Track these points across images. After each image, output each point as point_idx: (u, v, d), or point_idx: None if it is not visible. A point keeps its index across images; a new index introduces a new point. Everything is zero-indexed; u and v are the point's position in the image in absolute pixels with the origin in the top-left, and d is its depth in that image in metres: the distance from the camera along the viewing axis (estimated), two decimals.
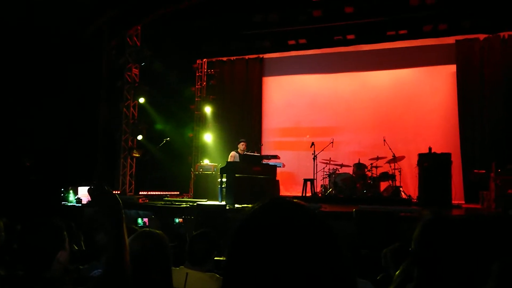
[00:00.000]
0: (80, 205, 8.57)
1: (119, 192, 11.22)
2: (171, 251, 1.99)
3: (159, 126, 12.10)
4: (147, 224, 7.31)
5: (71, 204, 8.74)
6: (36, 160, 9.57)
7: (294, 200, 0.89)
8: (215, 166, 10.63)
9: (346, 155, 11.41)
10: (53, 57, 9.33)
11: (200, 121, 13.14)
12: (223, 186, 8.90)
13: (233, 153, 9.62)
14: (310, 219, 0.85)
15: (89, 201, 8.25)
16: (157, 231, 2.06)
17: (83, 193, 8.85)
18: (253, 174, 8.70)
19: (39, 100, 9.15)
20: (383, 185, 10.25)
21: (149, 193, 11.04)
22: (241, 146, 9.62)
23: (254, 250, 0.81)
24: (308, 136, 12.05)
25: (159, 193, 11.47)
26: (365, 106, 11.81)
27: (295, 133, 12.54)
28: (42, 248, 1.94)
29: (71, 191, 9.00)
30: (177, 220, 7.28)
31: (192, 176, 11.89)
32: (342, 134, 11.79)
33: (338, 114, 12.09)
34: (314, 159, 10.08)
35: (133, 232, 2.06)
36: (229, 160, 9.40)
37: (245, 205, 7.84)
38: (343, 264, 0.83)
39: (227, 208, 7.45)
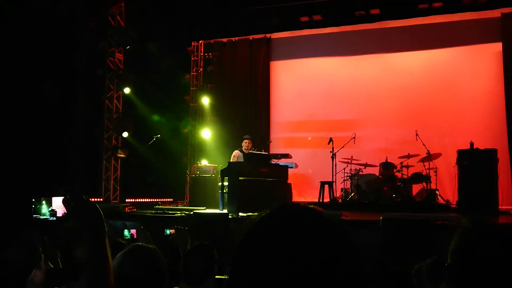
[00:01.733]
0: (54, 218, 8.60)
1: (101, 199, 11.29)
2: (166, 270, 2.00)
3: (148, 121, 12.15)
4: (135, 236, 7.35)
5: (44, 217, 8.77)
6: None
7: (310, 206, 0.90)
8: (214, 168, 10.67)
9: (370, 153, 11.38)
10: (16, 41, 9.29)
11: (196, 115, 13.17)
12: (224, 191, 8.91)
13: (236, 152, 9.64)
14: (328, 229, 0.85)
15: (65, 213, 8.29)
16: (149, 246, 2.07)
17: (58, 204, 8.88)
18: (260, 176, 8.71)
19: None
20: (416, 188, 10.22)
21: (137, 200, 11.09)
22: (246, 143, 9.63)
23: (261, 267, 0.81)
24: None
25: (149, 200, 11.51)
26: (392, 95, 11.77)
27: (309, 127, 12.54)
28: (14, 267, 1.95)
29: (43, 202, 9.03)
30: (168, 231, 7.32)
31: (188, 180, 11.92)
32: (366, 128, 11.76)
33: (361, 104, 12.07)
34: (332, 158, 10.06)
35: (120, 246, 2.08)
36: (231, 161, 9.42)
37: (251, 214, 7.85)
38: (366, 283, 0.83)
39: (230, 217, 7.46)
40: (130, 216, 8.56)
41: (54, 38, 10.13)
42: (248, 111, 13.00)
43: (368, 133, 11.69)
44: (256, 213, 0.91)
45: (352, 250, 0.85)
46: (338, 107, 12.25)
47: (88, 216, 1.59)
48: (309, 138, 12.42)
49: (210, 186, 10.48)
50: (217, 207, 9.16)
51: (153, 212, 8.78)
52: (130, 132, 11.66)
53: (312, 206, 0.90)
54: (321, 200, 9.75)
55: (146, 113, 12.18)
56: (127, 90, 11.76)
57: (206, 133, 12.73)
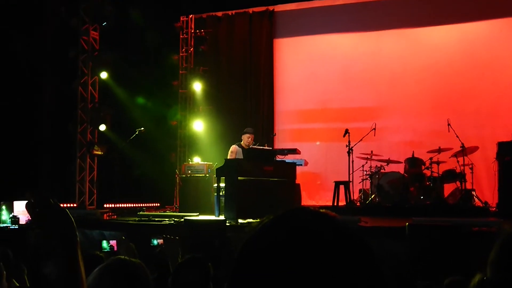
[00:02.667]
0: (16, 226, 8.60)
1: (75, 205, 11.31)
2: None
3: (129, 112, 12.15)
4: (115, 249, 7.36)
5: (5, 225, 8.78)
6: None
7: (321, 212, 0.90)
8: (209, 166, 10.68)
9: (394, 146, 11.37)
10: None
11: (187, 103, 13.17)
12: (221, 194, 8.93)
13: (234, 147, 9.64)
14: (344, 238, 0.85)
15: (29, 220, 8.29)
16: (133, 260, 2.06)
17: (21, 209, 8.87)
18: (263, 176, 8.72)
19: None
20: (448, 189, 10.22)
21: (118, 206, 11.10)
22: (246, 137, 9.64)
23: (263, 283, 0.81)
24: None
25: (132, 205, 11.52)
26: (420, 78, 11.75)
27: (321, 117, 12.54)
28: None
29: (3, 207, 9.03)
30: (155, 242, 7.33)
31: (177, 181, 11.94)
32: (389, 117, 11.76)
33: (382, 89, 12.06)
34: (349, 153, 10.05)
35: (97, 260, 2.08)
36: (229, 158, 9.43)
37: (252, 220, 7.86)
38: None
39: (227, 224, 7.48)
40: (109, 225, 8.57)
41: (16, 15, 10.11)
42: (248, 99, 12.99)
43: (391, 123, 11.68)
44: (258, 220, 0.91)
45: (373, 265, 0.85)
46: (355, 92, 12.23)
47: (56, 225, 1.58)
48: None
49: (203, 188, 10.49)
50: (212, 213, 9.17)
51: (137, 219, 8.80)
52: (108, 125, 11.65)
53: (324, 211, 0.90)
54: (335, 204, 9.75)
55: (127, 102, 12.17)
56: (104, 75, 11.75)
57: (199, 125, 12.73)
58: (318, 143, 12.15)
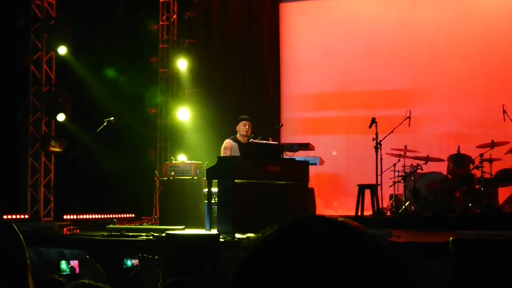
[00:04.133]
0: None
1: (26, 216, 11.32)
2: None
3: (95, 97, 12.14)
4: (77, 271, 7.38)
5: None
6: None
7: (341, 222, 0.90)
8: (197, 166, 10.67)
9: (435, 140, 11.37)
10: None
11: (169, 86, 13.18)
12: (212, 201, 8.93)
13: (228, 142, 9.62)
14: (371, 257, 0.85)
15: None
16: (99, 285, 2.06)
17: None
18: (266, 178, 8.70)
19: None
20: (504, 194, 10.22)
21: (81, 217, 11.10)
22: (242, 126, 9.61)
23: None
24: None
25: (99, 216, 11.52)
26: (467, 51, 11.75)
27: (340, 102, 12.54)
28: None
29: None
30: (129, 263, 7.33)
31: (157, 185, 11.94)
32: (427, 102, 11.76)
33: (419, 66, 12.06)
34: (377, 149, 10.03)
35: (56, 286, 2.08)
36: (222, 155, 9.42)
37: (253, 235, 7.85)
38: None
39: (221, 240, 7.48)
40: (70, 241, 8.56)
41: None
42: (248, 80, 12.98)
43: (430, 111, 11.68)
44: (259, 233, 0.91)
45: (409, 285, 0.85)
46: (384, 71, 12.24)
47: None
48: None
49: (190, 194, 10.50)
50: (201, 226, 9.17)
51: (105, 234, 8.79)
52: (68, 115, 11.63)
53: (344, 220, 0.90)
54: (359, 213, 9.74)
55: (92, 85, 12.15)
56: (62, 50, 11.72)
57: (184, 114, 12.72)
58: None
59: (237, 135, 9.66)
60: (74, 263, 7.52)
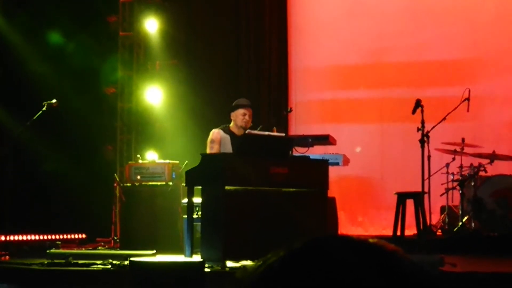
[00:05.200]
0: None
1: None
2: None
3: (31, 72, 12.12)
4: None
5: None
6: None
7: (372, 242, 0.90)
8: (173, 167, 10.69)
9: (503, 130, 11.39)
10: None
11: (133, 56, 13.20)
12: (194, 216, 8.94)
13: (216, 133, 9.63)
14: None
15: None
16: None
17: None
18: (269, 184, 8.74)
19: None
20: None
21: (12, 239, 11.10)
22: (241, 114, 9.64)
23: None
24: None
25: (37, 238, 11.51)
26: None
27: (371, 79, 12.56)
28: None
29: None
30: None
31: (118, 195, 11.95)
32: (492, 79, 11.80)
33: (480, 29, 12.09)
34: (423, 142, 10.05)
35: None
36: (208, 151, 9.43)
37: (251, 263, 7.85)
38: None
39: (207, 270, 7.49)
40: None
41: None
42: (244, 49, 13.00)
43: (496, 90, 11.71)
44: (259, 261, 0.90)
45: None
46: (432, 35, 12.28)
47: None
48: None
49: (164, 206, 10.53)
50: (179, 251, 9.22)
51: (46, 262, 8.80)
52: None
53: (377, 242, 0.90)
54: (398, 233, 9.77)
55: (27, 56, 12.15)
56: None
57: (155, 95, 12.76)
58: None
59: (230, 125, 9.65)
60: None
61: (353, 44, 12.67)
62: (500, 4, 11.95)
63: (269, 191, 8.72)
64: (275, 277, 0.86)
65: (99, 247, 11.11)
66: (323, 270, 0.84)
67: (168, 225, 10.29)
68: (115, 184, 12.14)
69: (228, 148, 9.44)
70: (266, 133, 9.59)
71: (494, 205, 10.07)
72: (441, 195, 10.73)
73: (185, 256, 8.64)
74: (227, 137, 9.56)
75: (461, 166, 10.63)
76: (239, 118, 9.60)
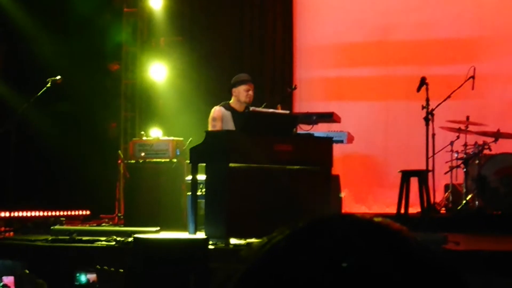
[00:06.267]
0: None
1: None
2: None
3: (35, 47, 12.09)
4: None
5: None
6: None
7: (377, 221, 0.90)
8: (177, 144, 10.67)
9: (507, 109, 11.35)
10: None
11: (137, 32, 13.17)
12: (199, 193, 8.94)
13: (218, 110, 9.60)
14: (420, 271, 0.85)
15: None
16: None
17: None
18: (273, 161, 8.74)
19: None
20: None
21: (15, 215, 11.11)
22: (243, 90, 9.60)
23: None
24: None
25: (41, 214, 11.52)
26: None
27: (376, 55, 12.54)
28: None
29: None
30: (83, 279, 7.36)
31: (122, 171, 11.95)
32: (497, 57, 11.75)
33: (486, 7, 12.01)
34: (427, 120, 10.03)
35: None
36: (210, 129, 9.41)
37: (255, 240, 7.85)
38: None
39: (210, 247, 7.51)
40: (1, 249, 8.57)
41: None
42: (248, 24, 12.95)
43: (502, 68, 11.66)
44: (264, 239, 0.91)
45: None
46: (438, 12, 12.23)
47: None
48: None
49: (168, 183, 10.53)
50: (183, 228, 9.23)
51: (50, 239, 8.82)
52: None
53: (381, 221, 0.90)
54: (402, 211, 9.76)
55: (30, 31, 12.11)
56: None
57: (159, 72, 12.73)
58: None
59: (230, 101, 9.62)
60: (8, 280, 7.53)
61: (358, 21, 12.62)
62: None
63: (273, 169, 8.71)
64: (280, 257, 0.86)
65: (103, 224, 11.13)
66: (327, 250, 0.84)
67: (172, 202, 10.29)
68: (119, 161, 12.14)
69: (230, 125, 9.42)
70: (270, 110, 9.58)
71: (498, 183, 10.06)
72: (445, 173, 10.72)
73: (189, 233, 8.65)
74: (229, 113, 9.54)
75: (465, 144, 10.61)
76: (243, 94, 9.57)
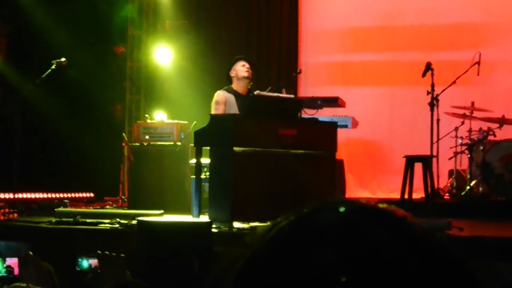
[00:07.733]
0: None
1: None
2: None
3: (40, 30, 12.08)
4: (15, 272, 7.43)
5: None
6: None
7: (381, 207, 0.90)
8: (181, 128, 10.67)
9: (511, 95, 11.33)
10: None
11: (143, 15, 13.17)
12: (203, 176, 8.95)
13: (221, 94, 9.60)
14: (424, 258, 0.85)
15: None
16: None
17: None
18: (277, 145, 8.74)
19: None
20: None
21: (19, 197, 11.13)
22: (242, 68, 9.59)
23: None
24: None
25: (45, 197, 11.54)
26: None
27: (382, 41, 12.53)
28: None
29: None
30: (85, 264, 7.36)
31: (126, 154, 11.96)
32: (503, 42, 11.75)
33: None
34: (432, 106, 10.02)
35: None
36: (213, 113, 9.40)
37: (259, 224, 7.89)
38: None
39: (214, 231, 7.52)
40: (6, 231, 8.60)
41: None
42: (255, 8, 12.95)
43: (507, 54, 11.66)
44: (268, 223, 0.91)
45: None
46: None
47: None
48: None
49: (172, 166, 10.54)
50: (187, 211, 9.25)
51: (54, 221, 8.85)
52: (2, 54, 11.61)
53: (386, 207, 0.91)
54: (406, 197, 9.77)
55: (36, 13, 12.10)
56: None
57: (164, 55, 12.73)
58: None
59: (232, 85, 9.62)
60: (12, 261, 7.55)
61: (364, 6, 12.60)
62: None
63: (277, 153, 8.72)
64: (285, 242, 0.86)
65: (107, 206, 11.15)
66: (333, 235, 0.84)
67: (176, 185, 10.30)
68: (123, 144, 12.14)
69: (234, 109, 9.42)
70: (275, 94, 9.57)
71: (502, 170, 10.06)
72: (449, 159, 10.73)
73: (193, 216, 8.67)
74: (232, 96, 9.55)
75: (470, 130, 10.61)
76: (240, 69, 9.57)
